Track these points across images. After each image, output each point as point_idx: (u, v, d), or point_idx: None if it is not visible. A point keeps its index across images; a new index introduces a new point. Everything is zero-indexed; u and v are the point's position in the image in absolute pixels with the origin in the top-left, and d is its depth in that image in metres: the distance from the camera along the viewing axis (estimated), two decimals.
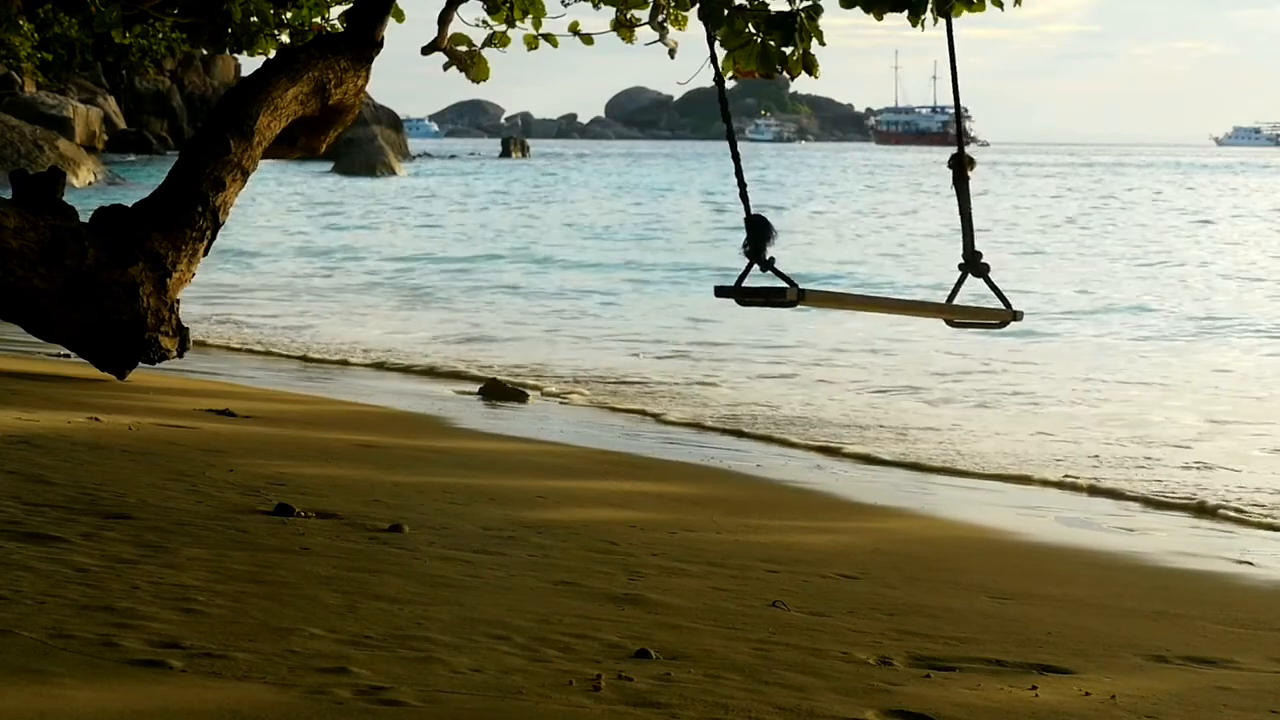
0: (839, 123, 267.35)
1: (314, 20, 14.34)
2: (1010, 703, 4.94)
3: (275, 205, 49.82)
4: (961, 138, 7.00)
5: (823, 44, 8.56)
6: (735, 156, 6.63)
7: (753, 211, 6.45)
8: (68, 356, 12.93)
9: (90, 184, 49.29)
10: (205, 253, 12.25)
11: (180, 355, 12.24)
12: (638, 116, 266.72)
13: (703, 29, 8.66)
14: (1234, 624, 6.75)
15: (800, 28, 8.33)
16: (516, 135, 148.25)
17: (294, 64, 12.39)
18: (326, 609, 5.33)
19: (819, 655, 5.31)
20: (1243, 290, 26.84)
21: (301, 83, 12.34)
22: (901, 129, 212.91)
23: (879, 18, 8.14)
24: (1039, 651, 5.70)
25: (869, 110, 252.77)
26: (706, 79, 7.23)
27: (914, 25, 8.11)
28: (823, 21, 8.39)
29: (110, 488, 7.33)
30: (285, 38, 14.24)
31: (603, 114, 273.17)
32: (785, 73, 8.64)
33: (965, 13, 8.08)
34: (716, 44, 7.01)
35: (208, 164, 12.08)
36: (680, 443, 12.02)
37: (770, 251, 6.38)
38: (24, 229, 11.37)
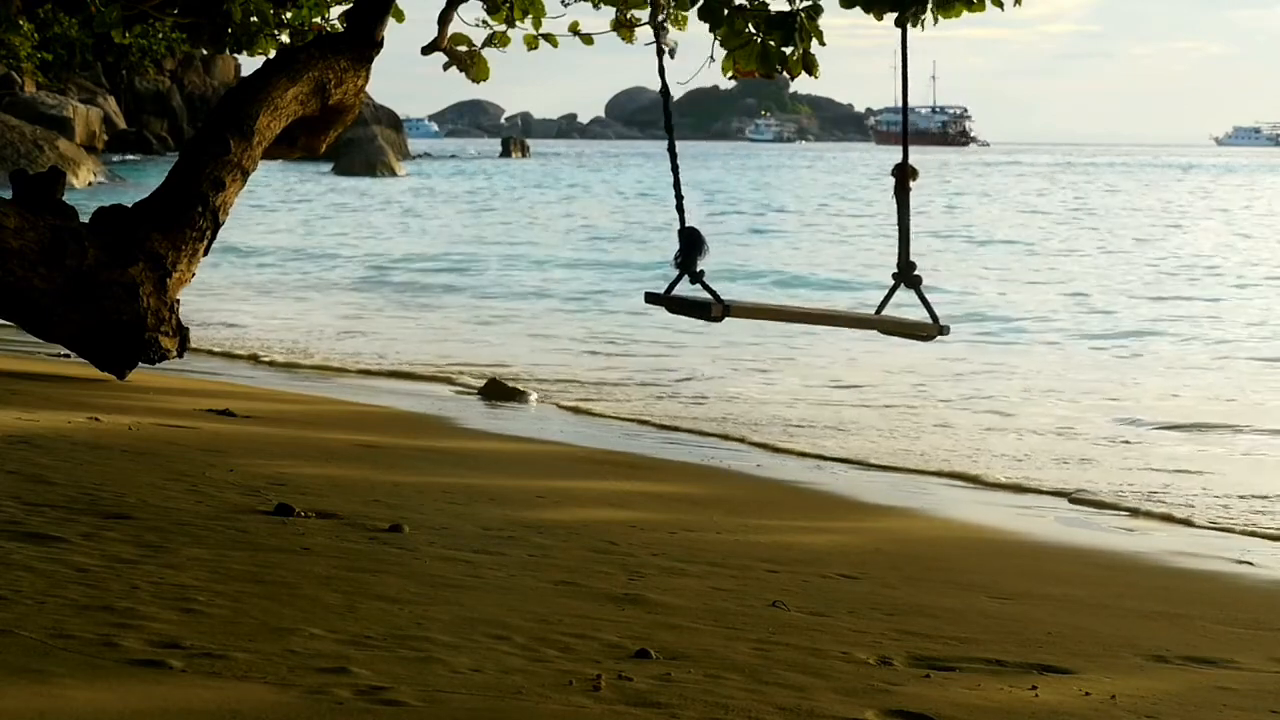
0: (839, 123, 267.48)
1: (314, 20, 14.35)
2: (1010, 703, 4.94)
3: (268, 205, 49.82)
4: (906, 147, 7.04)
5: (823, 44, 8.57)
6: (674, 169, 6.73)
7: (693, 222, 6.61)
8: (68, 356, 12.93)
9: (90, 184, 49.30)
10: (205, 253, 12.26)
11: (180, 355, 12.24)
12: (638, 116, 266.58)
13: (704, 28, 8.70)
14: (1234, 624, 6.75)
15: (800, 28, 8.34)
16: (516, 135, 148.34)
17: (294, 64, 12.39)
18: (326, 609, 5.33)
19: (819, 655, 5.31)
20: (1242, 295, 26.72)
21: (301, 83, 12.34)
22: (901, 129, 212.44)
23: (879, 18, 8.14)
24: (1039, 651, 5.70)
25: (869, 110, 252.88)
26: (706, 79, 7.26)
27: (913, 25, 8.11)
28: (822, 21, 8.39)
29: (110, 488, 7.33)
30: (285, 38, 14.25)
31: (603, 114, 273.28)
32: (785, 73, 8.65)
33: (965, 13, 8.09)
34: (666, 56, 7.05)
35: (208, 164, 12.08)
36: (680, 443, 12.03)
37: (701, 264, 6.50)
38: (24, 229, 11.37)
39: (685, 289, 6.54)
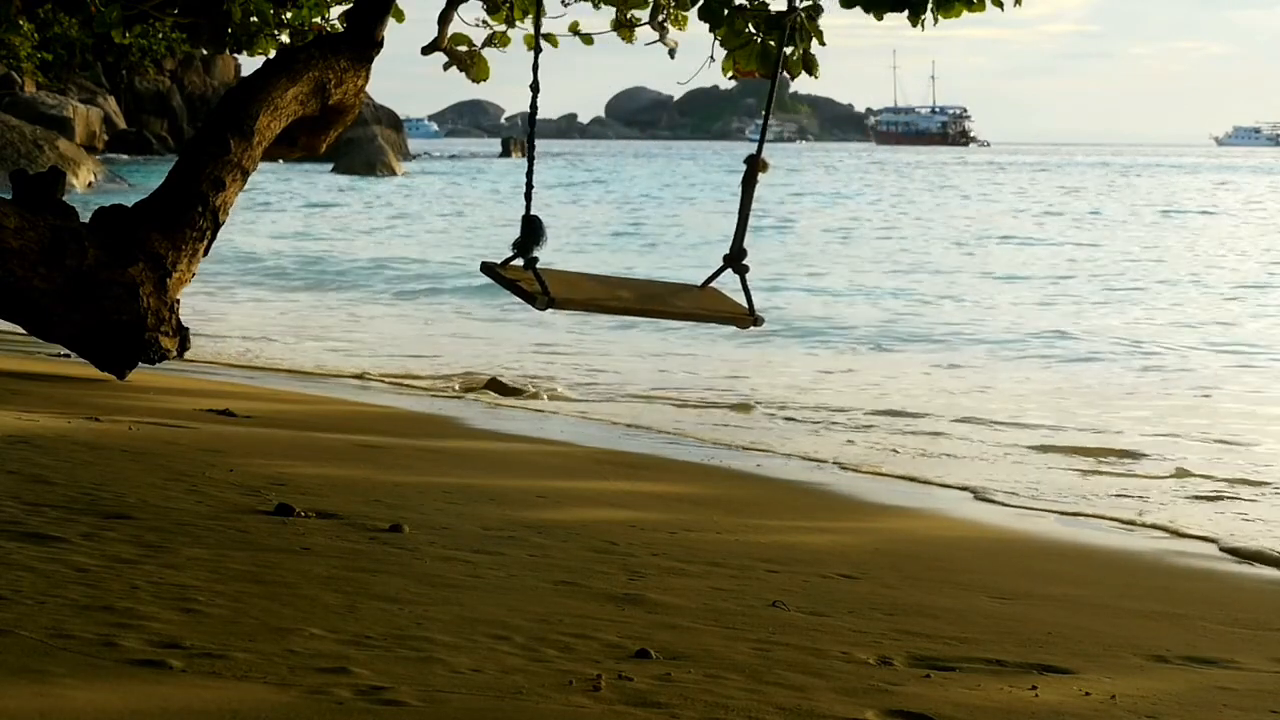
0: (839, 123, 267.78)
1: (314, 20, 14.34)
2: (1010, 703, 4.94)
3: (260, 203, 49.80)
4: (763, 140, 7.39)
5: (823, 44, 8.57)
6: (530, 159, 7.01)
7: (532, 212, 6.89)
8: (68, 356, 12.92)
9: (90, 184, 49.27)
10: (205, 253, 12.26)
11: (180, 355, 12.24)
12: (638, 116, 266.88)
13: (704, 28, 8.72)
14: (1234, 624, 6.75)
15: (800, 27, 8.33)
16: (517, 135, 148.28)
17: (294, 64, 12.39)
18: (326, 609, 5.33)
19: (819, 655, 5.31)
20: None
21: (301, 83, 12.34)
22: (901, 129, 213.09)
23: (879, 18, 8.16)
24: (1039, 651, 5.70)
25: (869, 110, 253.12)
26: (706, 79, 7.39)
27: (914, 25, 8.12)
28: (822, 21, 8.40)
29: (110, 488, 7.33)
30: (285, 38, 14.24)
31: (603, 114, 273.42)
32: (785, 73, 8.65)
33: (965, 13, 8.10)
34: (536, 49, 7.34)
35: (208, 164, 12.08)
36: (680, 443, 12.03)
37: (537, 252, 6.84)
38: (24, 229, 11.37)
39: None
